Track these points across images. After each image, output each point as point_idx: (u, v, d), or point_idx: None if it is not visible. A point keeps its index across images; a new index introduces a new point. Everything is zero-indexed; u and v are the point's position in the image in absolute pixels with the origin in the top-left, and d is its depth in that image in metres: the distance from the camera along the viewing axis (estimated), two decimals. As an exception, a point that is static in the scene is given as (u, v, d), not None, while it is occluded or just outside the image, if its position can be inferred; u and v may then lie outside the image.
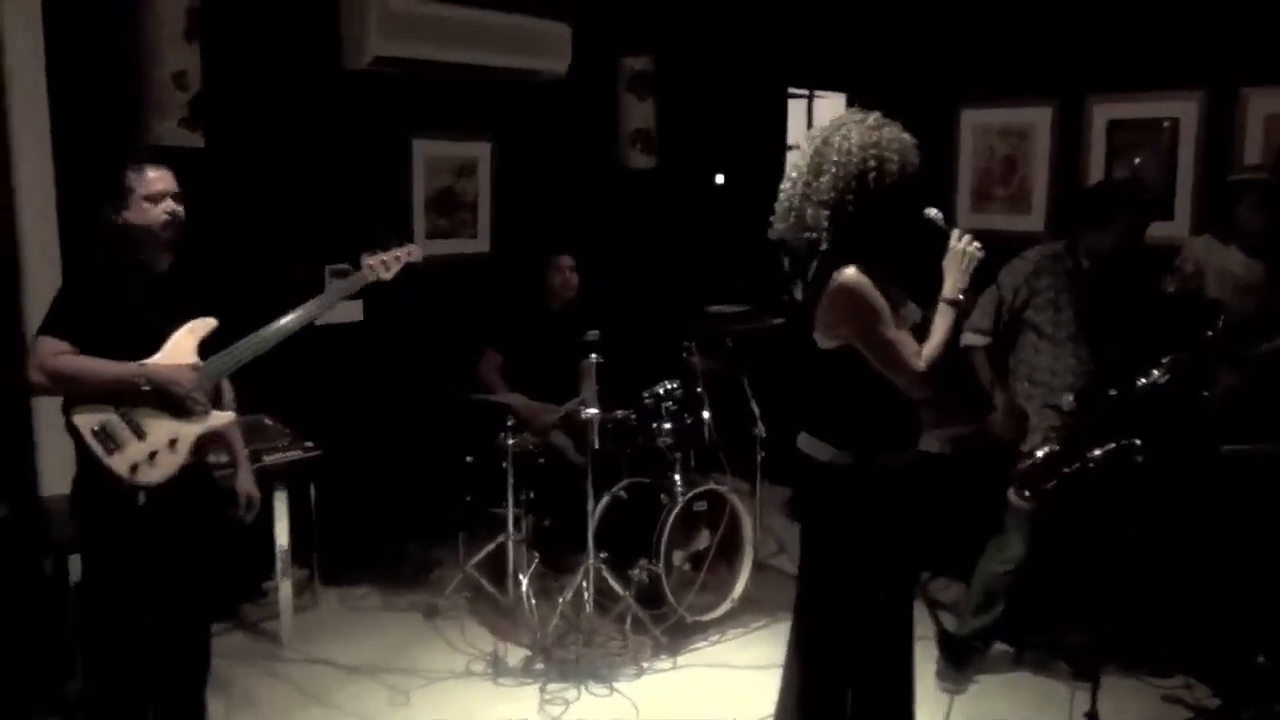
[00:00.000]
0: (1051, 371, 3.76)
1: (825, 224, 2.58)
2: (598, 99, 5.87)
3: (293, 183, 4.74)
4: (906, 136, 2.64)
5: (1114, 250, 3.71)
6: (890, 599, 2.78)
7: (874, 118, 2.65)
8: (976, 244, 2.69)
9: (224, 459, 3.23)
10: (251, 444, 4.02)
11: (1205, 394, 3.64)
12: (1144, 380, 3.06)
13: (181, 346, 2.91)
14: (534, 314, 4.85)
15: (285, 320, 3.05)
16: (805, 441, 2.75)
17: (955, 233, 2.70)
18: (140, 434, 2.83)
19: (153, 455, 2.83)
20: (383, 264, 3.26)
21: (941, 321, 2.66)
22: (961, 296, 2.66)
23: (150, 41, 4.23)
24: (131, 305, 2.87)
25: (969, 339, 3.78)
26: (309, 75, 4.81)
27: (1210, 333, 3.09)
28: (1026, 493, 3.56)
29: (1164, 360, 3.06)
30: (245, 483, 3.20)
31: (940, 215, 2.71)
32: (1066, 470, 3.26)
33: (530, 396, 4.57)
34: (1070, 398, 3.54)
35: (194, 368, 2.89)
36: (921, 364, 2.60)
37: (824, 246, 2.61)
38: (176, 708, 3.08)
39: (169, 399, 2.85)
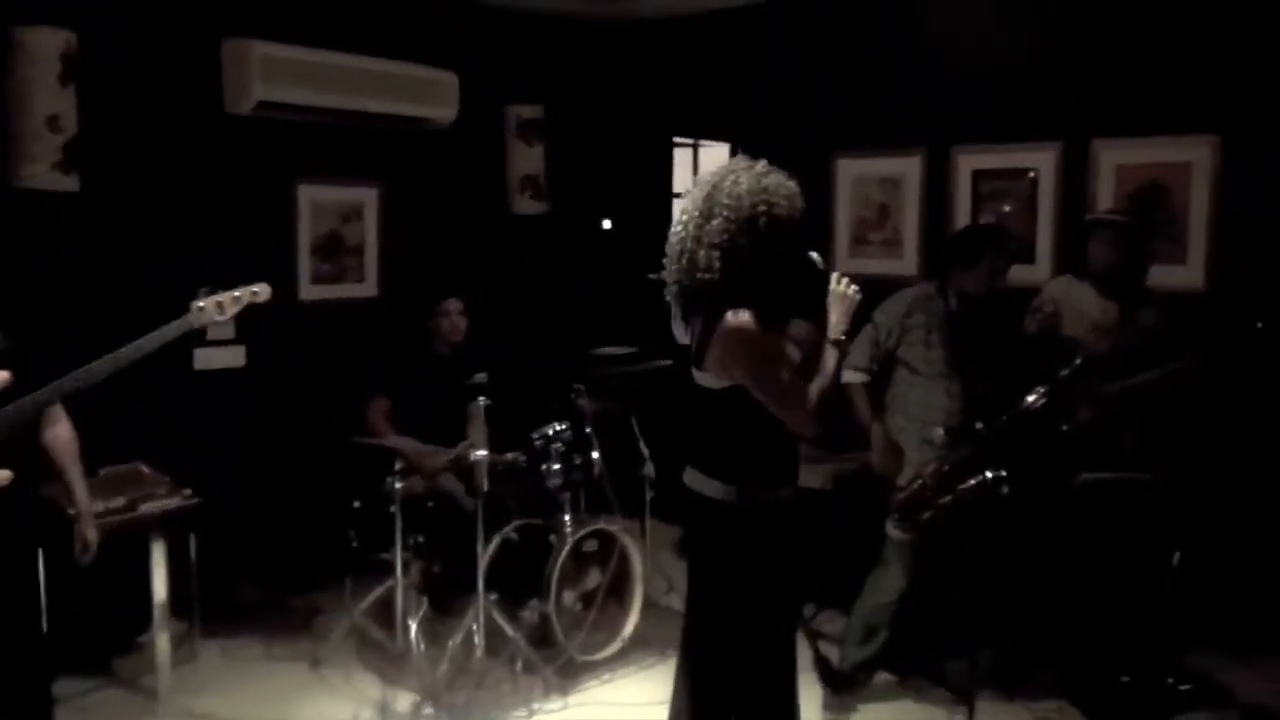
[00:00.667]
0: (924, 406, 3.90)
1: (717, 265, 2.65)
2: (486, 145, 5.93)
3: (173, 227, 4.65)
4: (792, 183, 2.73)
5: (981, 290, 3.90)
6: (778, 632, 2.86)
7: (761, 164, 2.73)
8: (855, 287, 2.82)
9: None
10: (127, 492, 3.93)
11: (1065, 427, 3.85)
12: (1023, 404, 3.21)
13: None
14: (422, 358, 4.83)
15: (95, 365, 2.88)
16: (693, 478, 2.80)
17: (835, 275, 2.83)
18: None
19: None
20: (217, 305, 3.07)
21: (828, 360, 2.76)
22: (844, 336, 2.79)
23: (22, 85, 4.14)
24: None
25: (848, 376, 3.89)
26: (191, 119, 4.75)
27: (1065, 370, 3.27)
28: (904, 524, 3.70)
29: (1039, 388, 3.22)
30: (84, 526, 3.24)
31: (820, 259, 2.83)
32: (940, 502, 3.40)
33: (420, 440, 4.54)
34: (940, 431, 3.66)
35: None
36: (812, 402, 2.69)
37: (714, 287, 2.66)
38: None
39: None
